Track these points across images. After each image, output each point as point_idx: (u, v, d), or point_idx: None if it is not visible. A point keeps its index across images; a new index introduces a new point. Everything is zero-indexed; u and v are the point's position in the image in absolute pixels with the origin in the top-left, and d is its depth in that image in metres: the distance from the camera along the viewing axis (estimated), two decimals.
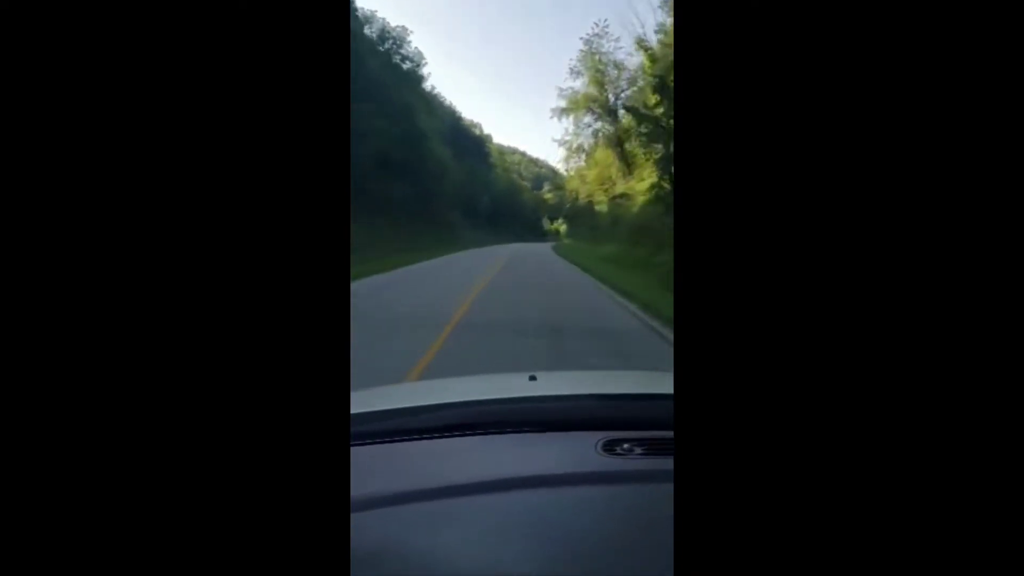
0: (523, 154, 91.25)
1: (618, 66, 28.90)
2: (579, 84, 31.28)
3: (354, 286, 8.04)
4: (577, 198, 46.19)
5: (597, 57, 29.58)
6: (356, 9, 27.83)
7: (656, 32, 21.50)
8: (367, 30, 30.95)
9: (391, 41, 33.91)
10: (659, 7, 22.95)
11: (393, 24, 36.09)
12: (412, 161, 29.01)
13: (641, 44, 22.30)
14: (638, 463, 0.81)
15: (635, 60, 25.74)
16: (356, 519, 0.54)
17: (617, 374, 2.37)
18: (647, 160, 19.29)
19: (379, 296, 8.74)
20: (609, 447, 0.85)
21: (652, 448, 0.84)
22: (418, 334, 5.41)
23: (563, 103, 32.02)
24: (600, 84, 29.93)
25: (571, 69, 31.51)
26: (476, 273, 13.58)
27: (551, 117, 32.49)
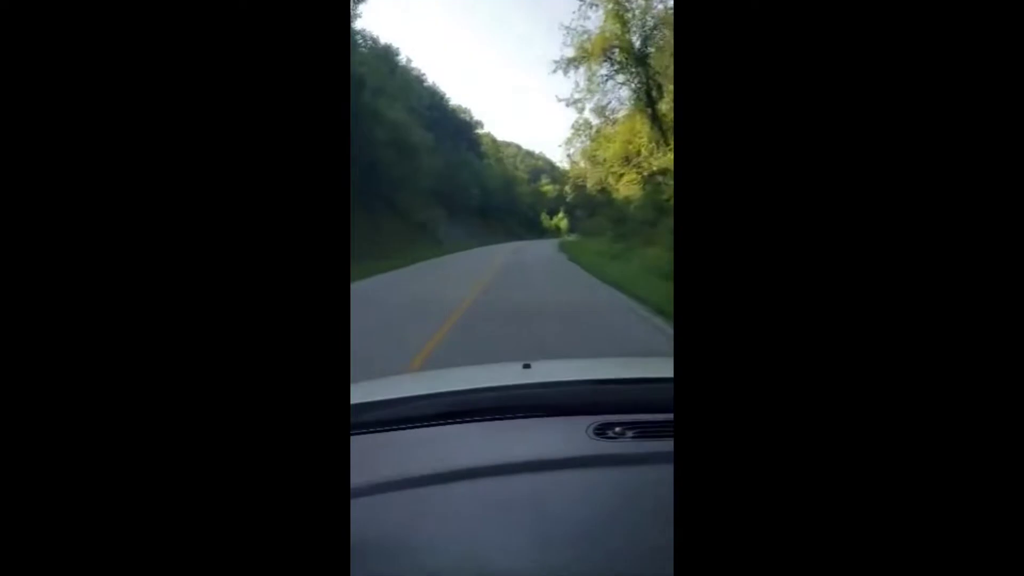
0: (518, 147, 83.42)
1: None
2: (593, 22, 21.33)
3: None
4: (585, 185, 37.53)
5: None
6: None
7: None
8: None
9: None
10: None
11: None
12: (370, 144, 20.83)
13: None
14: (629, 446, 0.83)
15: None
16: (352, 505, 0.55)
17: (610, 360, 2.21)
18: None
19: None
20: (601, 431, 0.86)
21: (643, 431, 0.85)
22: None
23: (570, 51, 21.82)
24: (621, 20, 21.46)
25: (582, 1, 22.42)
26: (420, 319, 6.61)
27: (554, 71, 22.94)
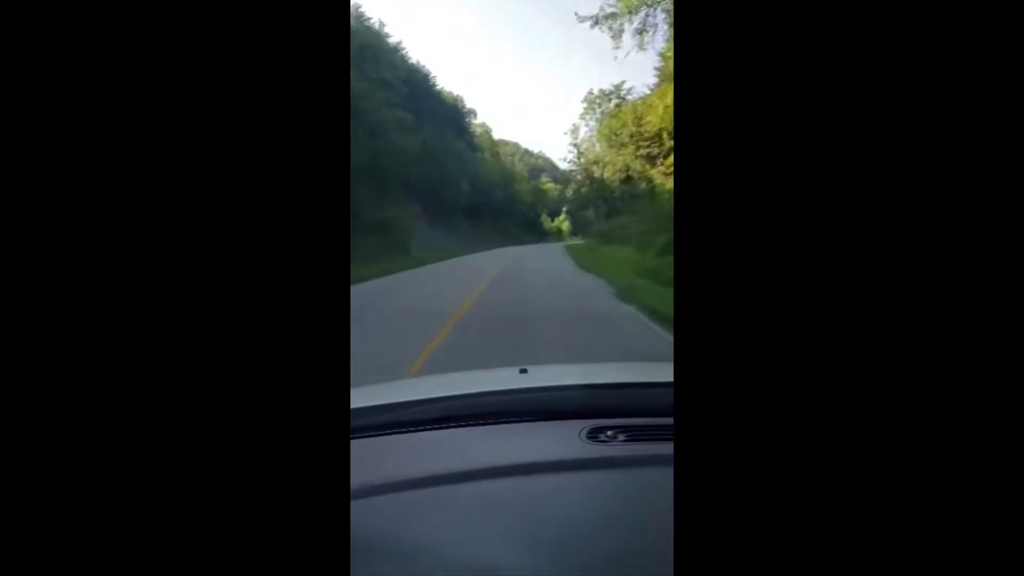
0: (516, 145, 77.80)
1: None
2: None
3: None
4: (601, 177, 29.89)
5: None
6: None
7: None
8: None
9: None
10: None
11: None
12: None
13: None
14: (621, 449, 0.83)
15: None
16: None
17: (604, 365, 2.31)
18: None
19: None
20: (593, 434, 0.87)
21: (635, 435, 0.87)
22: None
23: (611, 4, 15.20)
24: None
25: None
26: None
27: (581, 22, 16.03)
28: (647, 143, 20.74)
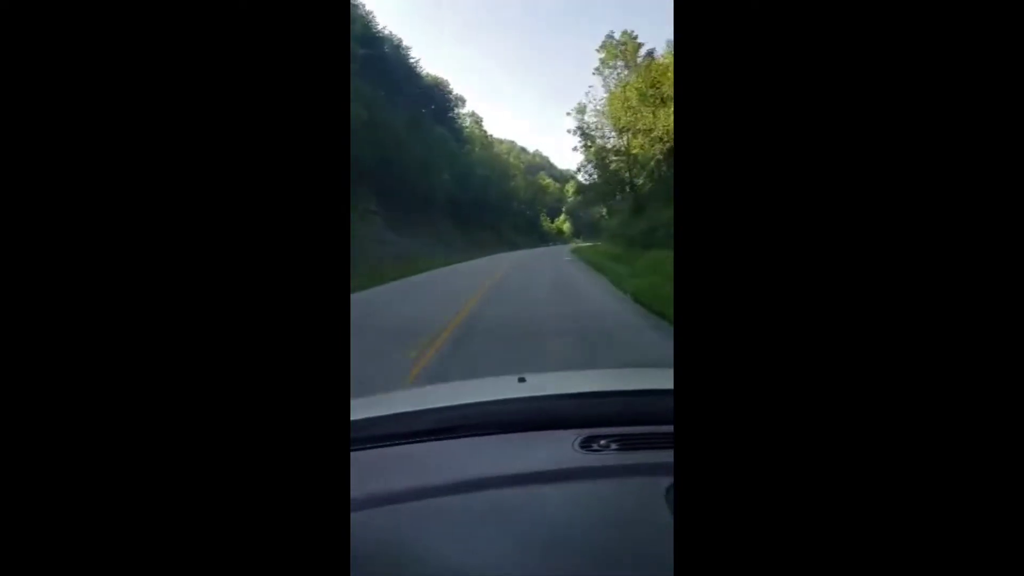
0: (512, 143, 72.13)
1: None
2: None
3: None
4: (623, 157, 22.50)
5: None
6: None
7: None
8: None
9: None
10: None
11: None
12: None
13: None
14: (614, 458, 0.84)
15: None
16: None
17: (603, 372, 2.24)
18: None
19: None
20: (586, 444, 0.88)
21: (627, 444, 0.87)
22: None
23: None
24: None
25: None
26: None
27: None
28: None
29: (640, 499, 0.67)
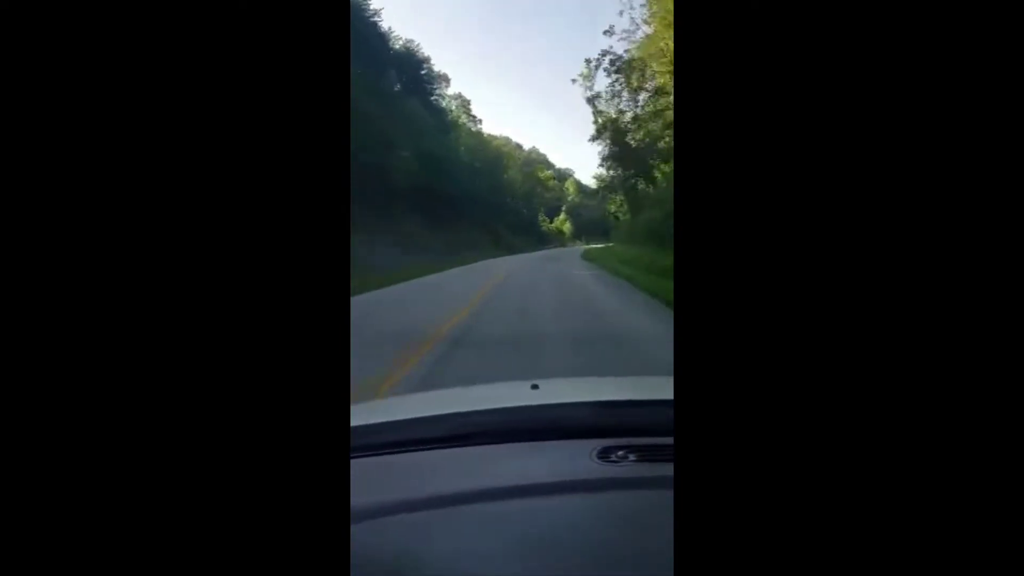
0: (507, 139, 72.67)
1: None
2: None
3: None
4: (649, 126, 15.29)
5: None
6: None
7: None
8: None
9: None
10: None
11: None
12: None
13: None
14: (631, 470, 0.83)
15: None
16: (353, 530, 0.55)
17: (618, 380, 2.14)
18: None
19: None
20: (604, 454, 0.86)
21: (645, 455, 0.86)
22: None
23: None
24: None
25: None
26: None
27: None
28: None
29: (660, 512, 0.66)
